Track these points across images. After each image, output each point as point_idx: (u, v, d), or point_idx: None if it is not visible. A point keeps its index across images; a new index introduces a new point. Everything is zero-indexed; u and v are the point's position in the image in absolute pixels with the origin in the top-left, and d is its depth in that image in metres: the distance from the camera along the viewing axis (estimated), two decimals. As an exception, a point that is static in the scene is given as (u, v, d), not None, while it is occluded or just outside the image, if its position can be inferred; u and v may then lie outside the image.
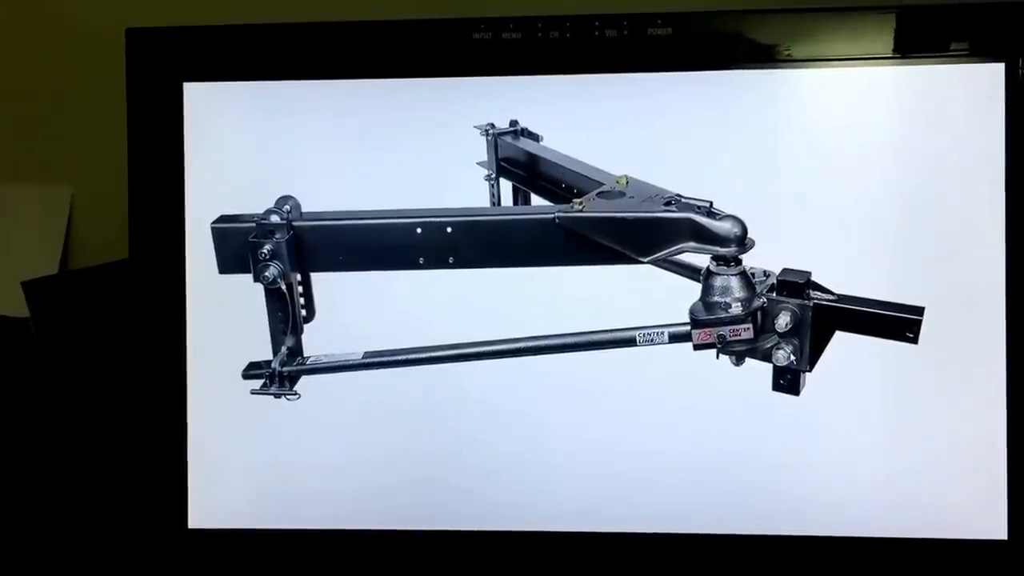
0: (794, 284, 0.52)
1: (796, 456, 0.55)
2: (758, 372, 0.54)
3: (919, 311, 0.52)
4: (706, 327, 0.52)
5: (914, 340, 0.51)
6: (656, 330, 0.53)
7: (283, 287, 0.55)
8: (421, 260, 0.54)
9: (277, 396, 0.57)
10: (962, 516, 0.54)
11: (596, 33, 0.55)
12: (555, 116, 0.56)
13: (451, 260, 0.54)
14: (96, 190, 0.74)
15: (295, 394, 0.57)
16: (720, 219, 0.52)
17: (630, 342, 0.53)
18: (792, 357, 0.52)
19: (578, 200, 0.53)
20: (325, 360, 0.56)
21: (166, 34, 0.57)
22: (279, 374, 0.56)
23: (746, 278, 0.52)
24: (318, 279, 0.56)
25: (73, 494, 0.63)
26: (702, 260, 0.53)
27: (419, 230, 0.54)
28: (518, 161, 0.57)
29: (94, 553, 0.61)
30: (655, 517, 0.56)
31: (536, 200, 0.59)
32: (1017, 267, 0.53)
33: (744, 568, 0.56)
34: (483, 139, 0.57)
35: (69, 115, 0.74)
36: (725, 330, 0.52)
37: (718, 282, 0.52)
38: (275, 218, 0.54)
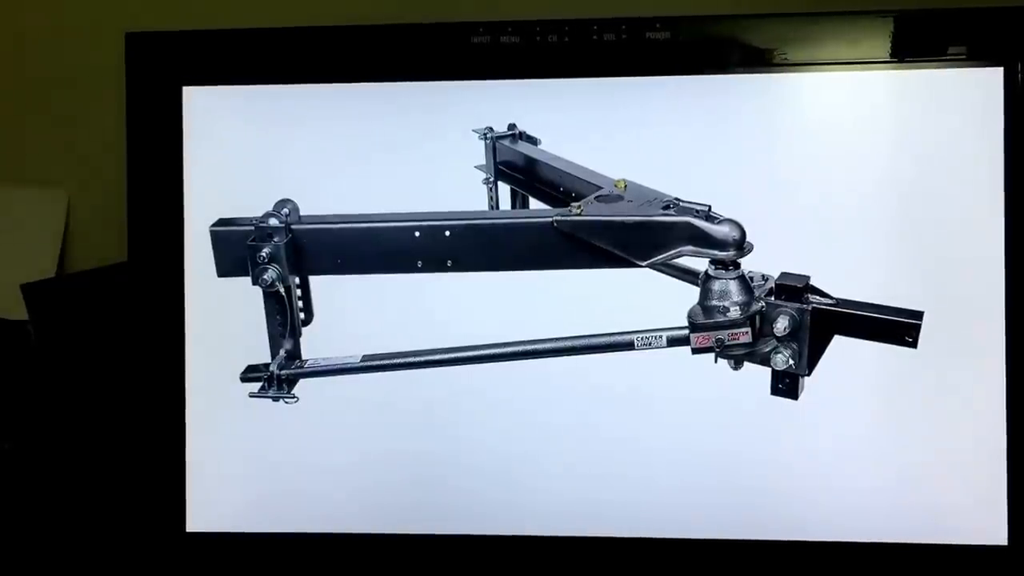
0: (793, 288, 0.52)
1: (795, 461, 0.55)
2: (757, 376, 0.54)
3: (918, 315, 0.52)
4: (704, 331, 0.52)
5: (913, 344, 0.51)
6: (654, 334, 0.53)
7: (281, 290, 0.55)
8: (419, 264, 0.54)
9: (275, 399, 0.57)
10: (962, 521, 0.54)
11: (594, 37, 0.55)
12: (553, 120, 0.56)
13: (449, 264, 0.54)
14: (93, 193, 0.74)
15: (293, 397, 0.57)
16: (719, 223, 0.51)
17: (628, 346, 0.53)
18: (791, 361, 0.52)
19: (576, 204, 0.53)
20: (323, 363, 0.56)
21: (166, 38, 0.57)
22: (277, 377, 0.56)
23: (744, 282, 0.52)
24: (317, 282, 0.56)
25: (72, 497, 0.63)
26: (701, 264, 0.53)
27: (417, 234, 0.54)
28: (516, 165, 0.57)
29: (93, 556, 0.61)
30: (655, 521, 0.56)
31: (534, 204, 0.59)
32: (1016, 272, 0.53)
33: (743, 573, 0.56)
34: (481, 143, 0.57)
35: (67, 117, 0.74)
36: (723, 334, 0.52)
37: (716, 286, 0.52)
38: (274, 221, 0.54)
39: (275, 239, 0.54)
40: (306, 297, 0.56)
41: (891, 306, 0.52)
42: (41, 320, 0.65)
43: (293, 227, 0.54)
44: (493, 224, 0.54)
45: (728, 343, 0.52)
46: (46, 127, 0.75)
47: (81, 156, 0.74)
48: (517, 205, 0.60)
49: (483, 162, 0.57)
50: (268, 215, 0.55)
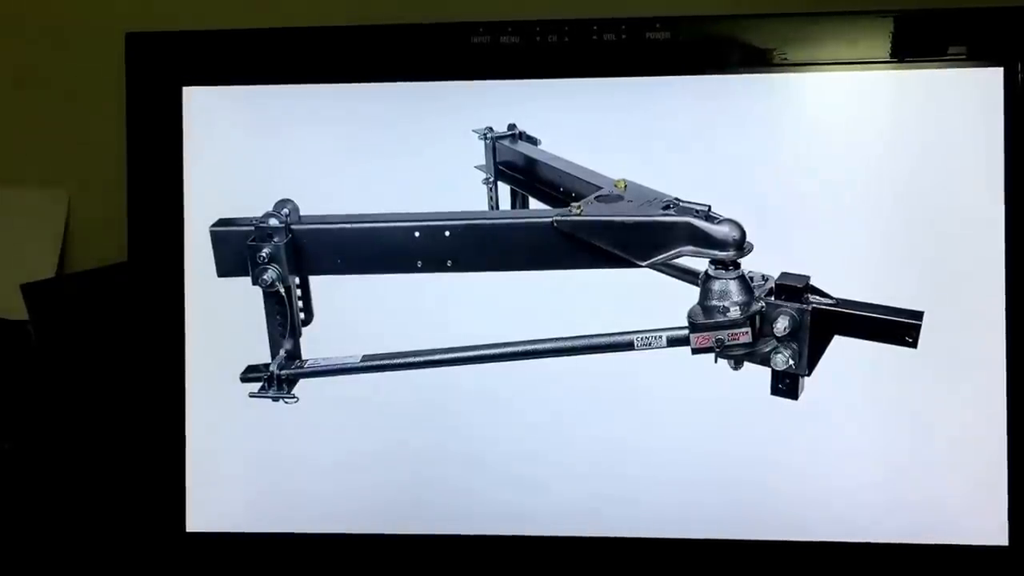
0: (793, 288, 0.52)
1: (795, 461, 0.55)
2: (757, 376, 0.54)
3: (918, 315, 0.52)
4: (704, 331, 0.52)
5: (913, 344, 0.51)
6: (654, 334, 0.53)
7: (281, 290, 0.55)
8: (419, 264, 0.54)
9: (275, 399, 0.57)
10: (962, 521, 0.54)
11: (594, 37, 0.55)
12: (553, 120, 0.56)
13: (449, 264, 0.54)
14: (94, 193, 0.74)
15: (293, 397, 0.56)
16: (718, 223, 0.51)
17: (628, 346, 0.53)
18: (791, 361, 0.52)
19: (576, 204, 0.53)
20: (323, 363, 0.56)
21: (166, 38, 0.57)
22: (277, 377, 0.56)
23: (744, 282, 0.52)
24: (317, 282, 0.56)
25: (72, 497, 0.63)
26: (701, 264, 0.53)
27: (417, 234, 0.54)
28: (516, 165, 0.57)
29: (93, 556, 0.61)
30: (655, 521, 0.56)
31: (534, 204, 0.59)
32: (1017, 272, 0.53)
33: (743, 573, 0.55)
34: (481, 143, 0.57)
35: (67, 117, 0.74)
36: (723, 334, 0.52)
37: (716, 286, 0.52)
38: (273, 221, 0.54)
39: (275, 239, 0.54)
40: (306, 297, 0.56)
41: (891, 306, 0.52)
42: (41, 320, 0.65)
43: (293, 227, 0.54)
44: (493, 224, 0.54)
45: (728, 343, 0.52)
46: (46, 127, 0.75)
47: (81, 156, 0.74)
48: (517, 205, 0.60)
49: (483, 162, 0.57)
50: (268, 215, 0.55)
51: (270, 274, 0.54)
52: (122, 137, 0.57)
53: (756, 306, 0.52)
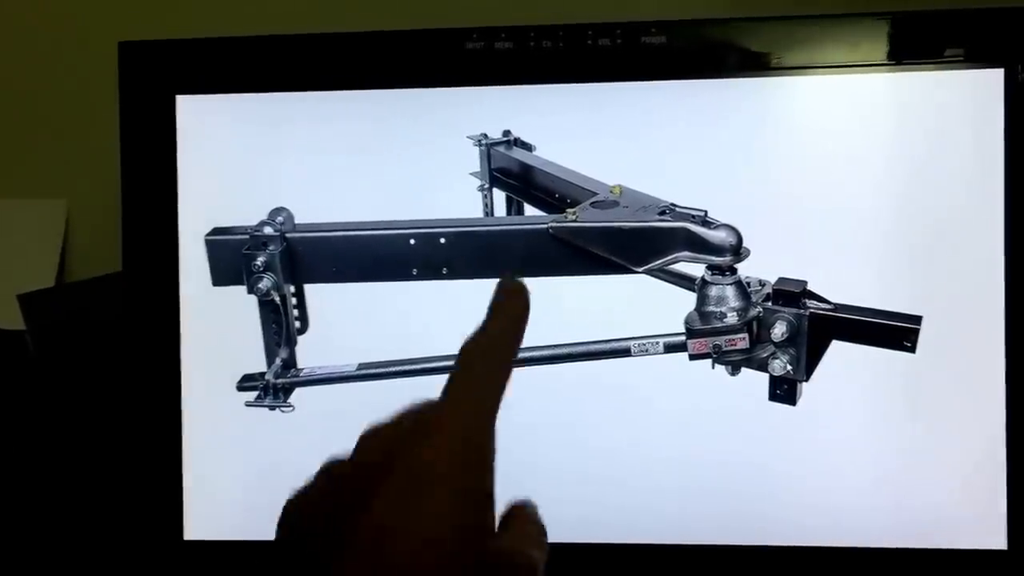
0: (790, 293, 0.52)
1: (793, 466, 0.55)
2: (755, 382, 0.53)
3: (916, 320, 0.52)
4: (701, 337, 0.52)
5: (912, 349, 0.51)
6: (651, 340, 0.53)
7: (277, 299, 0.55)
8: (415, 271, 0.54)
9: (272, 408, 0.56)
10: (961, 525, 0.54)
11: (589, 42, 0.55)
12: (548, 126, 0.56)
13: (445, 271, 0.54)
14: (91, 202, 0.74)
15: (289, 406, 0.56)
16: (715, 228, 0.51)
17: (625, 352, 0.53)
18: (788, 367, 0.52)
19: (572, 210, 0.53)
20: (319, 372, 0.56)
21: (159, 47, 0.57)
22: (273, 386, 0.56)
23: (741, 287, 0.52)
24: (312, 290, 0.56)
25: (69, 506, 0.63)
26: (697, 269, 0.53)
27: (412, 241, 0.53)
28: (511, 171, 0.57)
29: (91, 565, 0.61)
30: (652, 527, 0.56)
31: (530, 210, 0.59)
32: (1016, 276, 0.53)
33: (742, 579, 0.55)
34: (476, 149, 0.56)
35: (63, 128, 0.74)
36: (721, 340, 0.52)
37: (713, 291, 0.52)
38: (268, 230, 0.54)
39: (270, 247, 0.54)
40: (301, 305, 0.56)
41: (890, 311, 0.52)
42: (39, 330, 0.65)
43: (288, 235, 0.54)
44: (488, 231, 0.54)
45: (725, 349, 0.52)
46: (44, 138, 0.74)
47: (80, 166, 0.74)
48: (512, 212, 0.59)
49: (478, 169, 0.57)
50: (263, 223, 0.55)
51: (265, 283, 0.54)
52: (118, 146, 0.57)
53: (753, 311, 0.52)
